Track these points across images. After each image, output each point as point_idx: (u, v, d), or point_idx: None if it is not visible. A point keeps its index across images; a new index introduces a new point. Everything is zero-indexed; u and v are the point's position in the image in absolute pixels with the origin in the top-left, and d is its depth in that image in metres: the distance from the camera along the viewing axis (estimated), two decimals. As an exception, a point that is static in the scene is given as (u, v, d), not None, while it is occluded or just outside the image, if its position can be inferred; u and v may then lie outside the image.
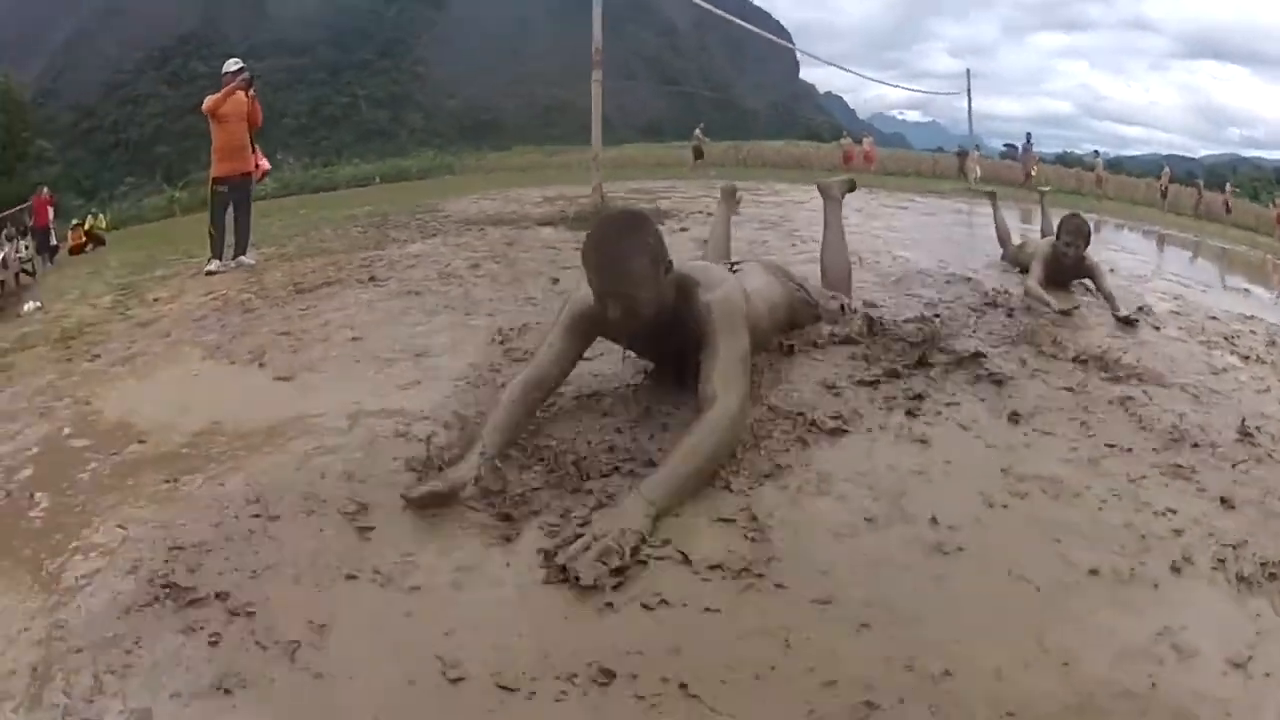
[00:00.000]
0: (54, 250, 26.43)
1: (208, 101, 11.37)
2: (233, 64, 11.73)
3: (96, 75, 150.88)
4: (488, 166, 52.02)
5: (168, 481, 3.92)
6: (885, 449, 4.06)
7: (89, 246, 26.58)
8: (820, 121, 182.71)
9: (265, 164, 12.43)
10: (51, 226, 27.56)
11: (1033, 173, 40.53)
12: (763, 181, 26.23)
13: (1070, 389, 5.13)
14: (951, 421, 4.43)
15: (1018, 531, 3.48)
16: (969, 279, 8.54)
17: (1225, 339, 7.53)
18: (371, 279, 8.32)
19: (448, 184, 35.46)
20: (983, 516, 3.56)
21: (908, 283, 8.15)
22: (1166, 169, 50.02)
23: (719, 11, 18.75)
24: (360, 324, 6.46)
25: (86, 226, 28.45)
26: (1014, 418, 4.51)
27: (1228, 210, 43.36)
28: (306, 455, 4.07)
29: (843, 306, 5.88)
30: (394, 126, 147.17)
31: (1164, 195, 44.84)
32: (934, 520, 3.42)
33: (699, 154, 43.25)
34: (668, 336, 4.21)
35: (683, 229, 11.76)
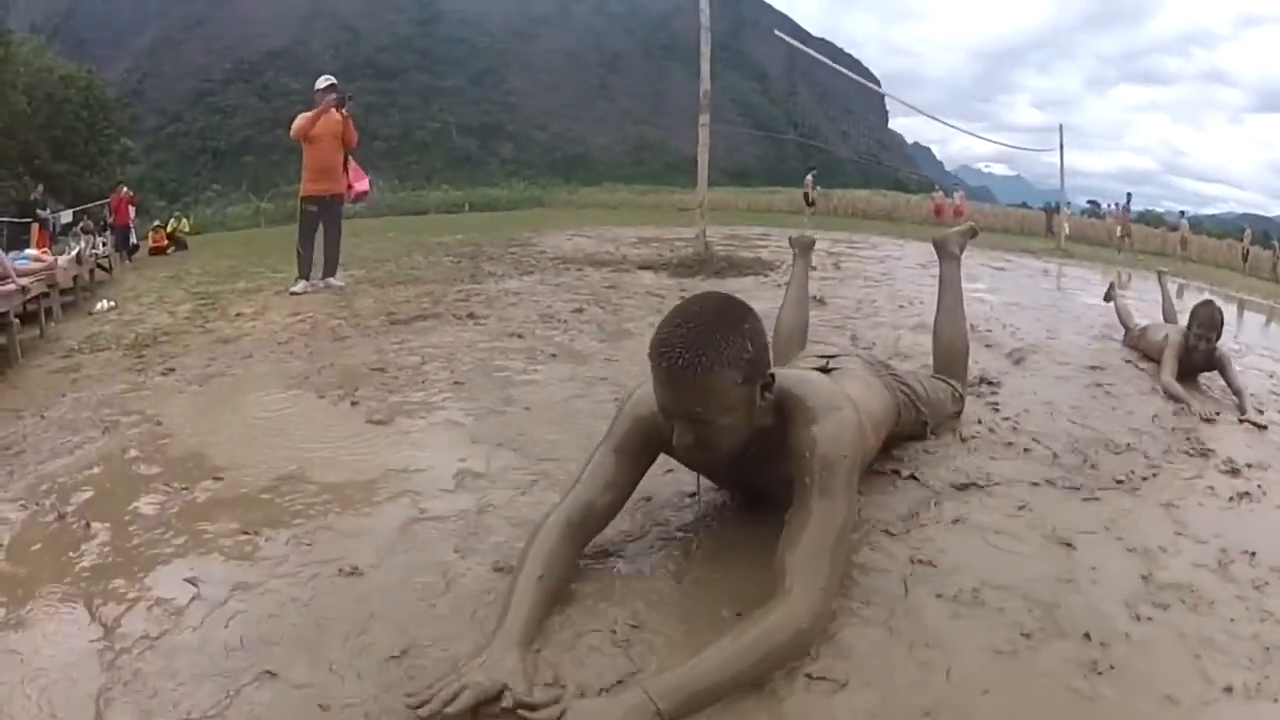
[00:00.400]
0: (133, 249, 26.57)
1: (296, 124, 11.05)
2: (324, 81, 11.32)
3: (182, 82, 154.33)
4: (578, 201, 52.71)
5: (246, 533, 3.41)
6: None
7: (170, 249, 26.74)
8: (907, 172, 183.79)
9: (361, 185, 11.97)
10: (132, 225, 27.69)
11: (1130, 234, 40.32)
12: (856, 232, 26.49)
13: (1195, 487, 4.71)
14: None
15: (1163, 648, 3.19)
16: (1094, 367, 7.76)
17: None
18: (470, 316, 8.03)
19: (539, 216, 36.23)
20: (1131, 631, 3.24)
21: (1029, 363, 7.61)
22: (1248, 230, 49.51)
23: (812, 52, 18.52)
24: (462, 367, 6.04)
25: (169, 229, 28.69)
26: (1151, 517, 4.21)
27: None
28: (409, 522, 3.52)
29: (956, 396, 5.23)
30: (483, 154, 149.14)
31: (1245, 258, 44.34)
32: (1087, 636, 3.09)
33: (810, 201, 42.90)
34: (758, 468, 3.25)
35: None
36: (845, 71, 19.92)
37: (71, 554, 3.32)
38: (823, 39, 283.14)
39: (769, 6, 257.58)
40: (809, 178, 44.85)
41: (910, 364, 6.03)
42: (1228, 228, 77.27)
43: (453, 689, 2.40)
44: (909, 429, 4.52)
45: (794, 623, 2.67)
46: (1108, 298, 10.51)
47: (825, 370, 4.04)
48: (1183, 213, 45.30)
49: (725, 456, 3.10)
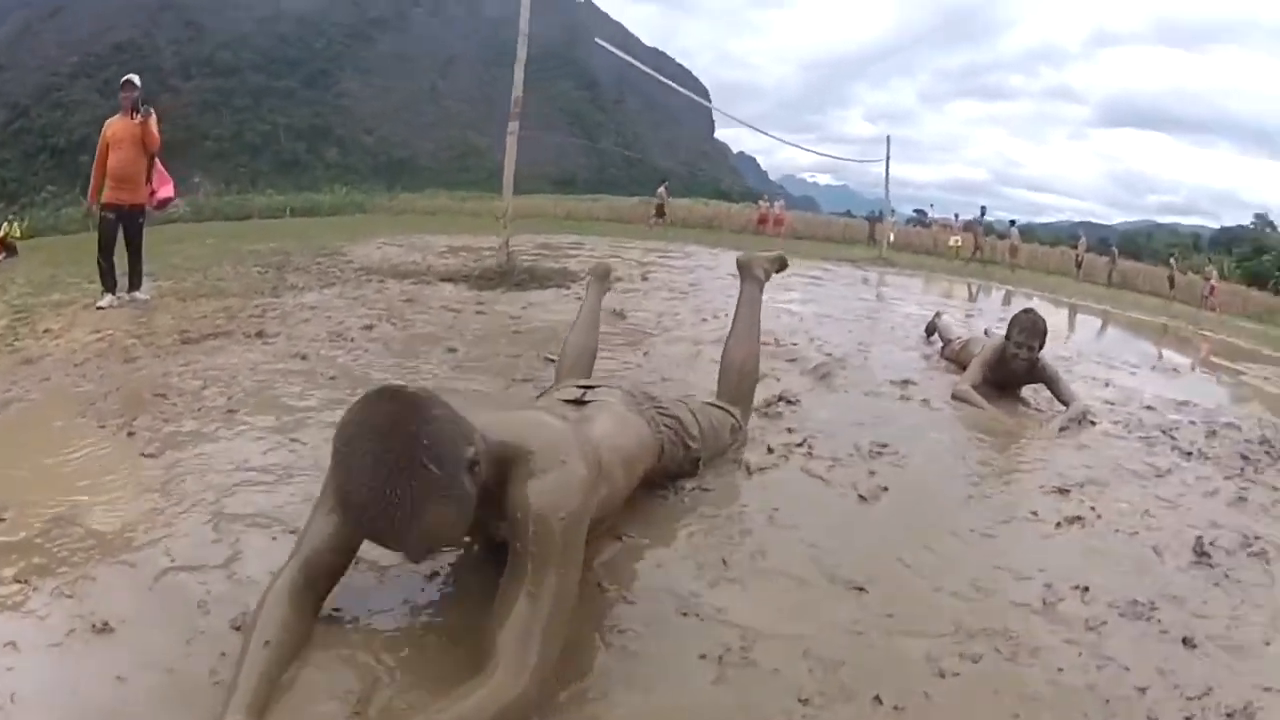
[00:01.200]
0: (-35, 256, 25.69)
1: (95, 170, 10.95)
2: (126, 79, 11.19)
3: (33, 75, 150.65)
4: (398, 208, 52.20)
5: (19, 582, 3.25)
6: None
7: (2, 255, 26.03)
8: (731, 181, 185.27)
9: (165, 192, 11.44)
10: None
11: (981, 248, 41.93)
12: (672, 242, 26.95)
13: (1016, 512, 4.74)
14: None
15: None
16: (908, 380, 7.75)
17: (1164, 433, 7.18)
18: (260, 334, 7.90)
19: (357, 223, 35.69)
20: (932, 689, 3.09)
21: (836, 379, 7.57)
22: (1083, 238, 50.32)
23: (639, 65, 18.60)
24: (239, 393, 5.89)
25: (1, 234, 27.98)
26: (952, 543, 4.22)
27: (1171, 285, 43.54)
28: (162, 571, 3.38)
29: (734, 427, 5.04)
30: (310, 158, 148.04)
31: (1079, 265, 44.94)
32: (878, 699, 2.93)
33: (660, 212, 43.55)
34: (483, 525, 3.01)
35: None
36: (667, 81, 19.83)
37: None
38: (655, 48, 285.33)
39: (605, 16, 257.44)
40: (661, 189, 45.99)
41: (708, 379, 5.83)
42: (1061, 235, 78.98)
43: None
44: (676, 465, 4.35)
45: (502, 698, 2.51)
46: (930, 330, 10.37)
47: (582, 402, 4.02)
48: (1012, 221, 46.79)
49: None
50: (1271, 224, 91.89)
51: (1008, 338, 7.49)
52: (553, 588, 2.67)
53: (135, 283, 10.83)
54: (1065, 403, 7.33)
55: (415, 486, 2.43)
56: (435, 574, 3.38)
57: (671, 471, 4.33)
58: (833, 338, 9.70)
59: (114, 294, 10.42)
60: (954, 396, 7.30)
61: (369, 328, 8.33)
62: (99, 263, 10.69)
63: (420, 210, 49.19)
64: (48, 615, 3.06)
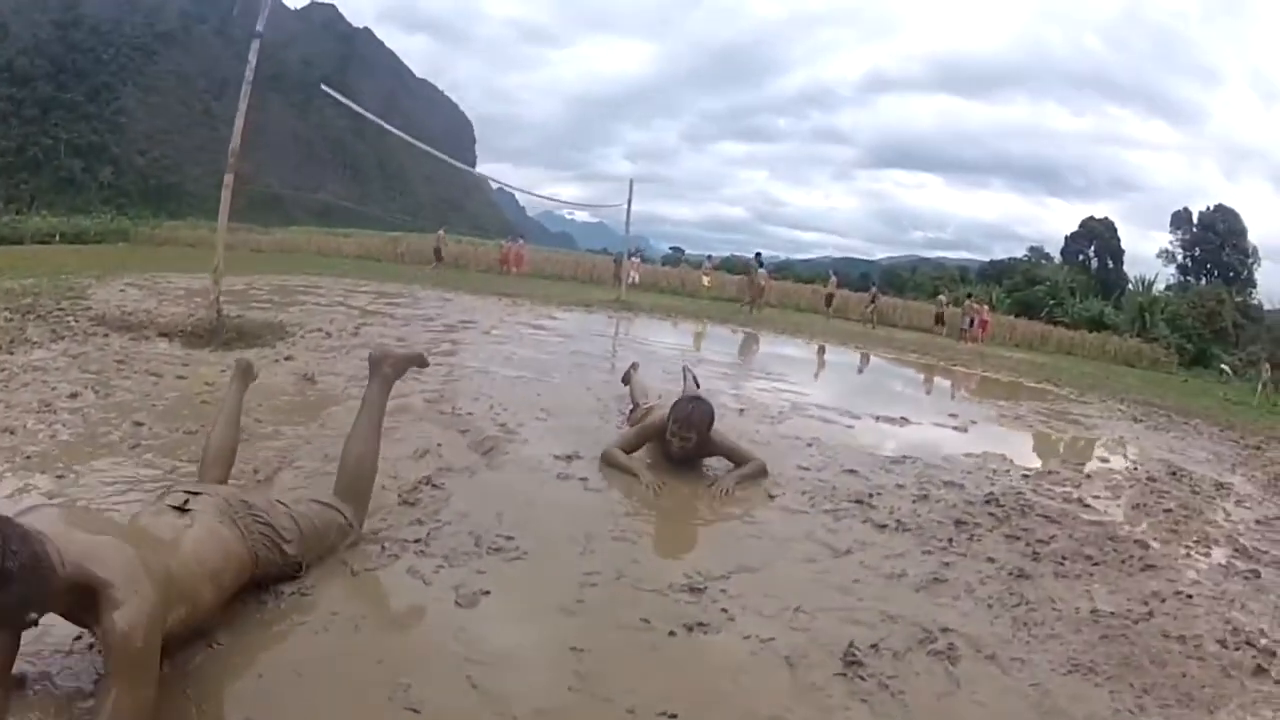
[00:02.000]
0: None
1: None
2: None
3: None
4: (160, 237, 52.12)
5: None
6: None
7: None
8: (489, 216, 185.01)
9: None
10: None
11: (761, 293, 41.22)
12: (408, 284, 27.33)
13: (622, 619, 4.67)
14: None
15: None
16: (574, 455, 7.77)
17: (860, 501, 7.21)
18: None
19: (116, 255, 35.40)
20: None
21: (499, 454, 7.71)
22: (833, 275, 52.12)
23: (374, 118, 19.86)
24: None
25: None
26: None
27: (939, 321, 45.17)
28: None
29: (344, 526, 5.15)
30: (85, 177, 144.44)
31: (828, 302, 45.96)
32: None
33: (439, 255, 44.69)
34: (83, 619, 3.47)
35: (287, 358, 11.58)
36: (393, 130, 20.94)
37: None
38: (424, 80, 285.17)
39: (381, 44, 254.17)
40: (441, 231, 48.30)
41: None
42: (821, 271, 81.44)
43: None
44: (276, 569, 4.52)
45: None
46: (625, 380, 10.63)
47: (183, 509, 4.21)
48: (757, 254, 45.87)
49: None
50: (1048, 255, 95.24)
51: (669, 420, 7.37)
52: (128, 703, 3.15)
53: None
54: (742, 472, 7.34)
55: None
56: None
57: (272, 574, 4.51)
58: (517, 403, 9.87)
59: None
60: (603, 460, 7.43)
61: (74, 395, 8.42)
62: None
63: (182, 241, 49.51)
64: None
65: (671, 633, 4.44)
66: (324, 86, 19.64)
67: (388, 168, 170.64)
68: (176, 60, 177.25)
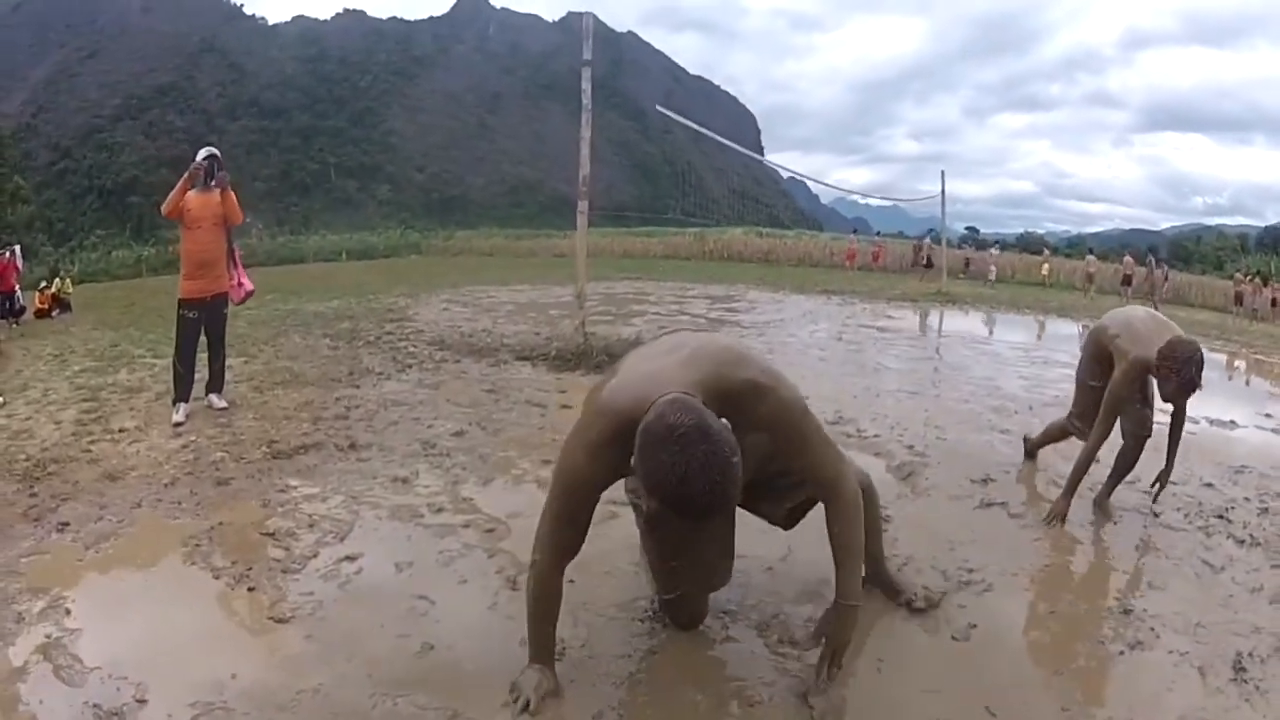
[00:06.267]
0: (19, 312, 25.52)
1: (168, 199, 9.09)
2: (205, 152, 9.40)
3: (75, 117, 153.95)
4: (454, 249, 52.62)
5: None
6: None
7: (54, 311, 25.88)
8: (783, 206, 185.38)
9: (249, 284, 9.84)
10: (17, 288, 26.50)
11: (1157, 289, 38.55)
12: (733, 285, 26.83)
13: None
14: None
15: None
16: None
17: (1220, 517, 6.83)
18: (352, 446, 7.68)
19: (414, 269, 35.60)
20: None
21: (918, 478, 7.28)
22: (1128, 256, 44.44)
23: (680, 119, 17.96)
24: (354, 538, 5.62)
25: (53, 290, 27.88)
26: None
27: (1238, 302, 39.29)
28: None
29: None
30: (362, 196, 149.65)
31: (1126, 282, 40.06)
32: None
33: (929, 263, 39.97)
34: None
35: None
36: (706, 131, 19.32)
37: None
38: (699, 76, 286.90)
39: (648, 45, 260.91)
40: (927, 239, 42.67)
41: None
42: (1111, 244, 77.81)
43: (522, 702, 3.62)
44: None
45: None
46: (1030, 454, 8.03)
47: None
48: (998, 243, 45.14)
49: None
50: None
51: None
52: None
53: (216, 385, 9.49)
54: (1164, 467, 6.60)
55: (736, 465, 3.11)
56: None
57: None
58: (908, 419, 9.43)
59: (188, 402, 9.05)
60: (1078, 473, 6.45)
61: (460, 434, 8.09)
62: (175, 366, 9.13)
63: (477, 251, 49.79)
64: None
65: (1121, 651, 4.59)
66: (659, 108, 18.58)
67: (676, 164, 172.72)
68: (439, 80, 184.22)
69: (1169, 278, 41.95)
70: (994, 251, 48.09)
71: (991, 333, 20.44)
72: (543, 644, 3.75)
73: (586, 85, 13.14)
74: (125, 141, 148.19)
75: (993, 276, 41.42)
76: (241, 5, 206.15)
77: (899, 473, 7.41)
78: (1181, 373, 5.88)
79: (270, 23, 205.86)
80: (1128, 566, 5.88)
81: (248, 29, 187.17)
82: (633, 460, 3.20)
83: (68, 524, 5.97)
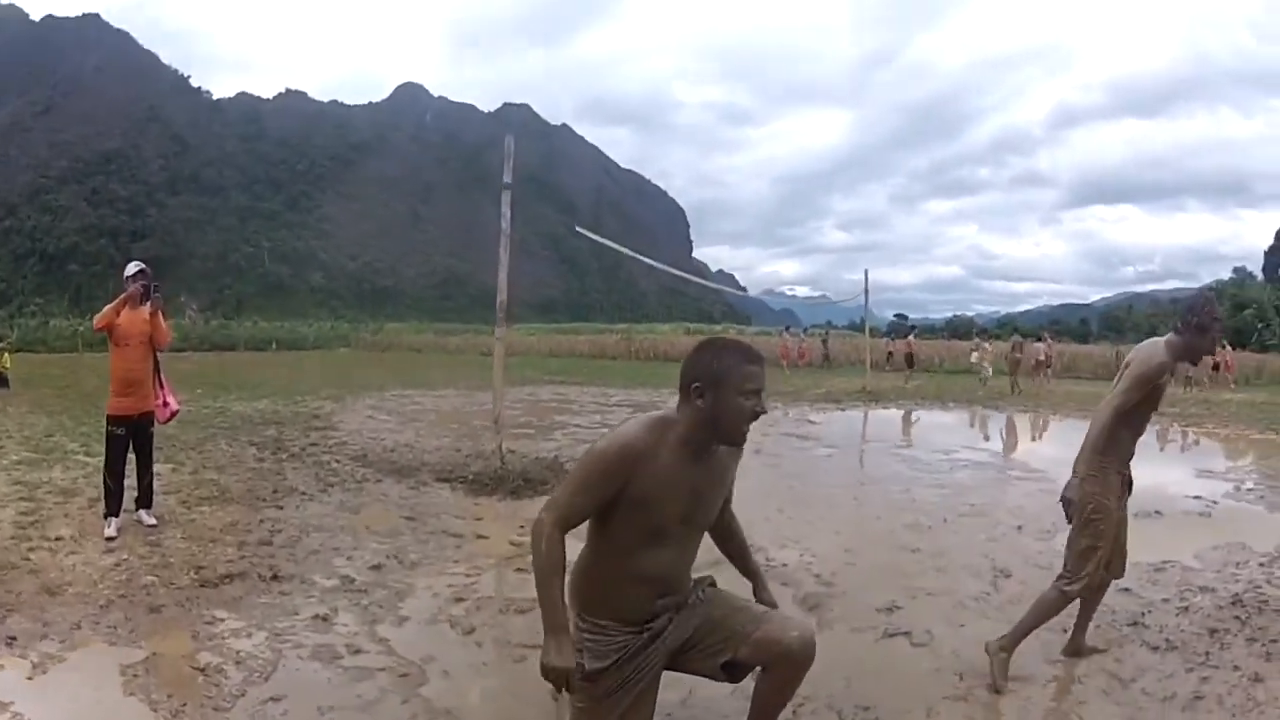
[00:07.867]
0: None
1: (100, 315, 9.41)
2: (133, 267, 9.66)
3: (24, 174, 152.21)
4: (383, 343, 52.29)
5: None
6: None
7: (-5, 387, 25.86)
8: (711, 300, 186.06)
9: (174, 403, 10.03)
10: None
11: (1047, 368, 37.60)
12: (658, 389, 27.12)
13: None
14: None
15: None
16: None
17: (1134, 624, 6.99)
18: (275, 577, 7.77)
19: (342, 364, 35.89)
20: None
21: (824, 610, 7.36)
22: (1016, 337, 39.39)
23: (604, 240, 18.22)
24: (279, 683, 5.65)
25: (-6, 365, 27.83)
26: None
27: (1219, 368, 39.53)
28: None
29: None
30: (295, 282, 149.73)
31: (1014, 366, 36.32)
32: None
33: (910, 362, 40.46)
34: None
35: None
36: (630, 253, 19.56)
37: None
38: (631, 170, 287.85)
39: (581, 138, 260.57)
40: (910, 338, 43.43)
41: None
42: (1039, 321, 78.70)
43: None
44: None
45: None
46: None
47: None
48: (911, 326, 44.12)
49: None
50: (1251, 275, 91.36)
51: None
52: None
53: (145, 500, 9.73)
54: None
55: None
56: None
57: None
58: (819, 541, 9.53)
59: (118, 516, 9.27)
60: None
61: (377, 568, 8.19)
62: (105, 481, 9.39)
63: (406, 346, 50.23)
64: None
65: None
66: (578, 229, 18.92)
67: (604, 259, 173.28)
68: (375, 167, 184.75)
69: (1021, 349, 37.25)
70: (911, 340, 46.26)
71: (910, 437, 20.74)
72: (554, 605, 3.80)
73: (506, 210, 13.35)
74: (69, 206, 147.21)
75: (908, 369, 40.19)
76: (189, 77, 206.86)
77: (804, 605, 7.46)
78: (1206, 312, 5.62)
79: (215, 96, 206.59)
80: (1032, 691, 5.81)
81: (192, 102, 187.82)
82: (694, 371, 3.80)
83: (15, 638, 6.14)
